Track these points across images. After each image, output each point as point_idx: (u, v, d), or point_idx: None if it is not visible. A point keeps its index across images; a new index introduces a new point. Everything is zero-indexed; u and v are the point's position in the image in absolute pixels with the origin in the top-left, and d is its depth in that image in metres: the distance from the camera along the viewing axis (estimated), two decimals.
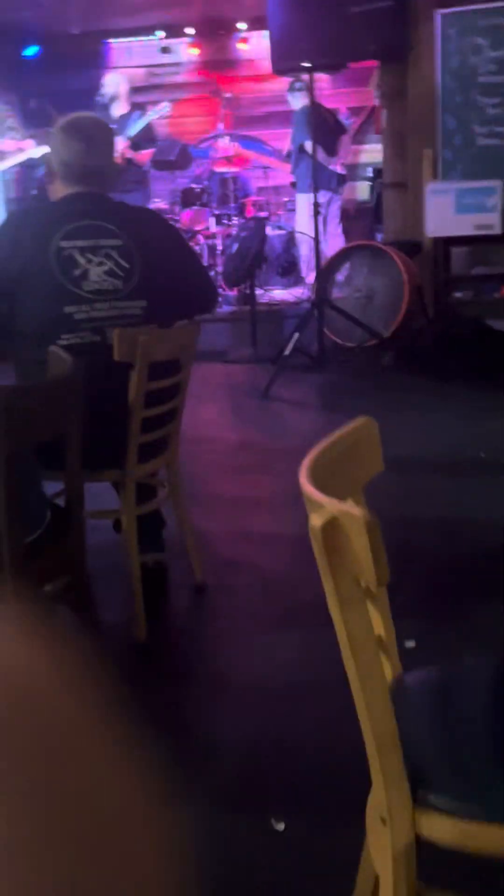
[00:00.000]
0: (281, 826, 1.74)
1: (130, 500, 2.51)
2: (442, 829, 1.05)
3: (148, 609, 2.56)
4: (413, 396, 5.33)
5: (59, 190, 2.60)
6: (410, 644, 2.31)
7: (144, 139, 7.04)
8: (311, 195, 5.84)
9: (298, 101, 7.26)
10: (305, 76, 5.75)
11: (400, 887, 1.08)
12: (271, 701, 2.22)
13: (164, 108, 7.18)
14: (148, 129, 7.04)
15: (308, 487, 1.05)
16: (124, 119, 7.02)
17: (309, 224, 6.17)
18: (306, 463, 1.14)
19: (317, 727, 2.07)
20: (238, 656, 2.47)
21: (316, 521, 0.96)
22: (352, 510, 0.94)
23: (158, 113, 7.14)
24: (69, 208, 2.50)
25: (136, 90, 8.08)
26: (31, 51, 10.27)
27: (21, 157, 7.77)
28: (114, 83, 7.16)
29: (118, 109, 7.10)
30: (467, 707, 1.25)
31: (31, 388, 1.90)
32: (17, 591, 1.84)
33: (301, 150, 7.11)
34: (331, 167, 7.37)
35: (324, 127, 7.01)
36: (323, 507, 0.99)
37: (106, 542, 2.94)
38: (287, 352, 5.54)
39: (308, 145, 6.56)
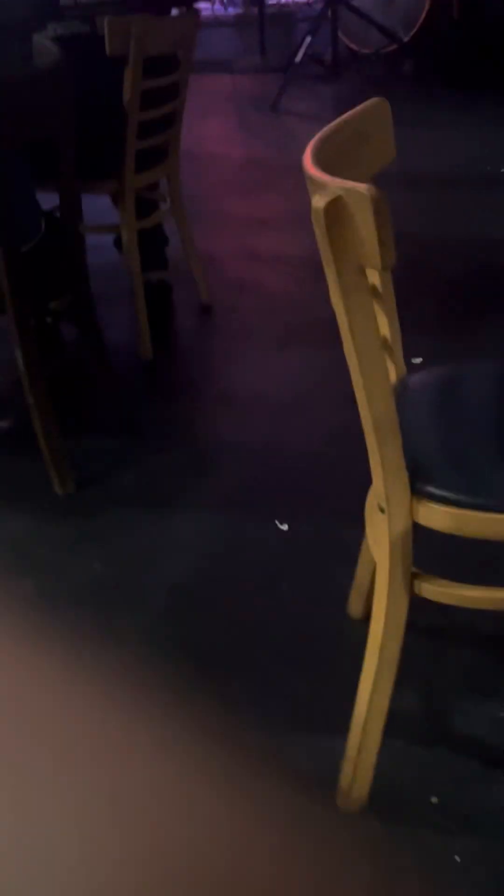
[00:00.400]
0: (285, 527, 1.82)
1: (130, 212, 2.40)
2: (438, 516, 1.07)
3: (153, 328, 2.54)
4: (433, 108, 4.97)
5: None
6: (417, 360, 2.29)
7: None
8: None
9: None
10: None
11: (396, 571, 1.12)
12: (276, 412, 2.24)
13: None
14: None
15: (312, 169, 0.96)
16: None
17: None
18: (312, 145, 1.05)
19: (321, 435, 2.11)
20: (243, 372, 2.47)
21: (318, 202, 0.89)
22: (357, 187, 0.86)
23: None
24: None
25: None
26: None
27: None
28: None
29: None
30: (468, 403, 1.25)
31: (11, 79, 1.74)
32: (15, 302, 1.80)
33: None
34: None
35: None
36: (326, 187, 0.91)
37: (109, 263, 2.85)
38: (298, 59, 5.11)
39: None
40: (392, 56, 5.58)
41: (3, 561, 1.80)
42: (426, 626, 1.50)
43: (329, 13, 5.27)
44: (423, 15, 5.53)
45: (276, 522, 1.83)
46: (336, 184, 0.90)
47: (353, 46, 5.71)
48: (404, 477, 1.06)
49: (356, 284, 0.94)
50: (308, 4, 6.59)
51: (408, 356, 1.36)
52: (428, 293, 2.80)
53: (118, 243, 2.70)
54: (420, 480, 1.07)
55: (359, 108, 1.17)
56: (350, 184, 0.88)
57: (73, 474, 1.96)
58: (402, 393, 1.25)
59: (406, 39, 5.53)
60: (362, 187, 0.86)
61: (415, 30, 5.57)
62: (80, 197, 2.21)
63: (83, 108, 1.93)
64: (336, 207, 0.89)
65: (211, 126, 4.77)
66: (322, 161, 1.01)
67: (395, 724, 1.22)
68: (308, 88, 5.34)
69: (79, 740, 0.21)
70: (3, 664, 0.22)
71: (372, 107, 1.18)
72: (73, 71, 1.85)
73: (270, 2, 6.52)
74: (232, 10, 6.73)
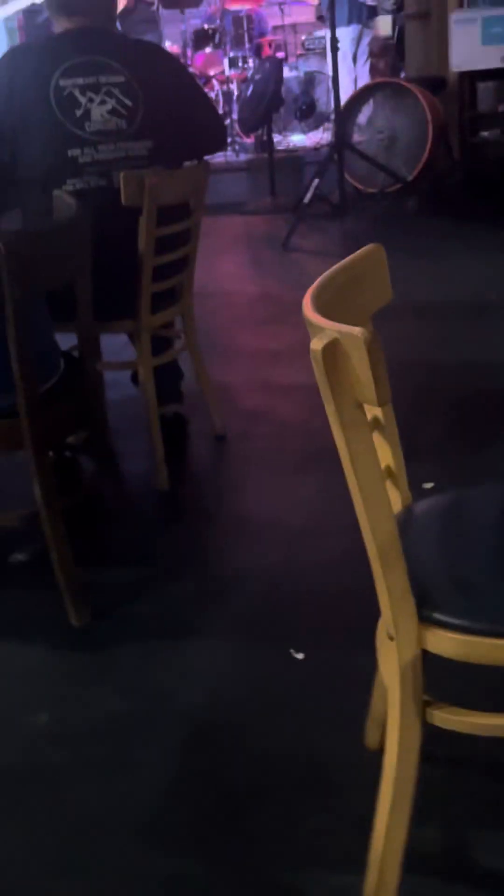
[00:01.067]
0: (300, 655, 1.81)
1: (146, 350, 2.50)
2: (447, 642, 1.08)
3: (169, 459, 2.60)
4: (438, 242, 5.18)
5: (58, 27, 2.47)
6: (429, 485, 2.33)
7: None
8: (344, 29, 5.54)
9: None
10: None
11: (407, 699, 1.12)
12: (291, 538, 2.27)
13: None
14: None
15: (311, 313, 1.03)
16: None
17: (344, 61, 5.92)
18: (311, 290, 1.12)
19: (337, 561, 2.12)
20: (258, 498, 2.51)
21: (317, 344, 0.95)
22: (352, 330, 0.92)
23: None
24: (67, 44, 2.39)
25: None
26: None
27: (23, 3, 7.33)
28: None
29: None
30: (475, 527, 1.27)
31: (36, 232, 1.86)
32: (34, 439, 1.86)
33: None
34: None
35: None
36: (324, 330, 0.97)
37: (126, 398, 2.95)
38: (307, 200, 5.38)
39: None
40: (396, 194, 5.85)
41: (19, 694, 1.80)
42: (444, 755, 1.47)
43: (335, 157, 5.57)
44: (425, 155, 5.83)
45: (292, 651, 1.83)
46: (332, 327, 0.96)
47: (358, 186, 6.00)
48: (411, 604, 1.08)
49: (354, 420, 0.99)
50: (315, 149, 6.97)
51: (418, 481, 1.40)
52: (437, 418, 2.86)
53: (135, 378, 2.80)
54: (427, 607, 1.09)
55: (355, 254, 1.24)
56: (345, 327, 0.94)
57: (89, 605, 1.98)
58: (407, 520, 1.28)
59: (409, 178, 5.82)
60: (357, 331, 0.92)
61: (417, 169, 5.86)
62: (98, 337, 2.32)
63: (100, 254, 2.05)
64: (333, 349, 0.95)
65: (224, 264, 4.98)
66: (321, 305, 1.08)
67: (415, 858, 1.19)
68: (317, 226, 5.59)
69: (98, 873, 0.23)
70: (21, 798, 0.25)
71: (368, 253, 1.26)
72: (91, 222, 1.97)
73: (279, 147, 6.91)
74: (243, 156, 7.12)
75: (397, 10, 7.61)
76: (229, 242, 5.60)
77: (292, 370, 3.48)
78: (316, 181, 5.39)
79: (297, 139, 7.41)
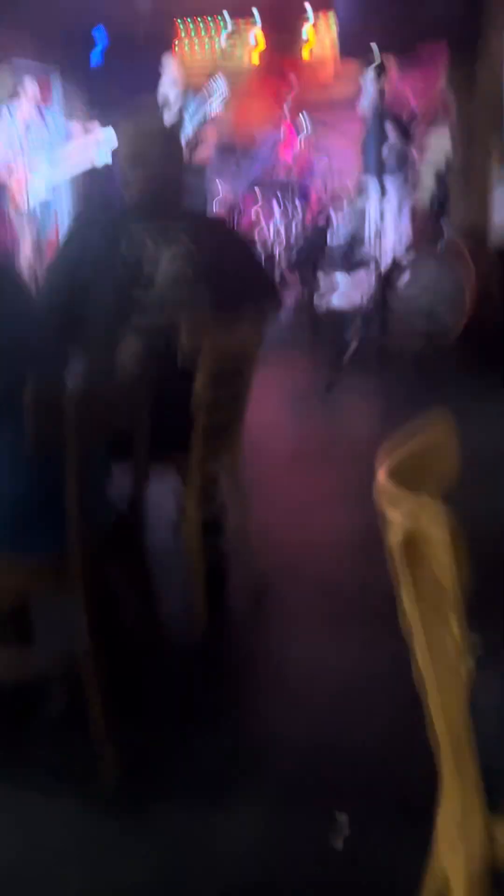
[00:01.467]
0: (343, 822, 1.72)
1: (195, 493, 2.50)
2: None
3: (206, 610, 2.55)
4: (480, 398, 5.19)
5: (132, 187, 2.64)
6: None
7: (202, 135, 6.96)
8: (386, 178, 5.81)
9: (372, 88, 7.18)
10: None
11: None
12: (331, 701, 2.19)
13: (220, 86, 6.91)
14: (205, 122, 6.96)
15: (390, 487, 1.01)
16: (182, 106, 6.94)
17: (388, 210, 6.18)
18: (385, 462, 1.11)
19: (378, 728, 2.04)
20: (297, 657, 2.44)
21: (396, 534, 0.93)
22: (435, 515, 0.90)
23: (218, 95, 6.93)
24: (140, 209, 2.57)
25: (200, 75, 8.01)
26: (97, 50, 10.31)
27: (86, 164, 7.72)
28: (174, 82, 7.09)
29: (175, 96, 7.04)
30: None
31: (103, 388, 1.93)
32: (85, 584, 1.85)
33: (382, 133, 7.06)
34: (405, 153, 7.33)
35: (400, 114, 7.10)
36: (405, 511, 0.95)
37: (167, 538, 2.93)
38: (351, 349, 5.48)
39: (390, 130, 6.87)
40: (440, 348, 5.91)
41: (49, 854, 1.72)
42: None
43: (380, 309, 5.70)
44: (470, 311, 5.92)
45: (334, 817, 1.73)
46: (414, 510, 0.94)
47: (401, 341, 6.07)
48: (480, 801, 1.02)
49: (433, 603, 0.96)
50: (359, 300, 7.14)
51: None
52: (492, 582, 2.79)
53: (177, 530, 2.80)
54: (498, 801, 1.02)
55: (426, 425, 1.24)
56: (428, 511, 0.92)
57: (122, 762, 1.91)
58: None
59: (453, 334, 5.90)
60: (440, 516, 0.90)
61: (461, 324, 5.95)
62: (149, 479, 2.32)
63: (159, 390, 2.08)
64: (413, 539, 0.92)
65: (265, 411, 5.01)
66: (397, 479, 1.06)
67: None
68: (358, 376, 5.63)
69: None
70: None
71: (438, 425, 1.25)
72: (153, 368, 2.03)
73: (322, 297, 7.08)
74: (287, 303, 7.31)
75: (441, 169, 7.96)
76: (271, 390, 5.66)
77: (333, 521, 3.44)
78: (360, 333, 5.50)
79: (341, 284, 7.61)
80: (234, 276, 2.61)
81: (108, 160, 7.32)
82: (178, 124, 6.67)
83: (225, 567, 2.88)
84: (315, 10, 9.70)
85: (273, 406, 5.21)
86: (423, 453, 1.20)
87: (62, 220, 8.55)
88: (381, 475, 1.07)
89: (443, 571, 0.93)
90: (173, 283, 2.47)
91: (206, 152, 7.21)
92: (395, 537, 0.95)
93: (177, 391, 2.37)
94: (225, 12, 10.02)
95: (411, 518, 0.93)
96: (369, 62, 5.79)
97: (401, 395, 5.45)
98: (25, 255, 7.44)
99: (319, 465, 4.14)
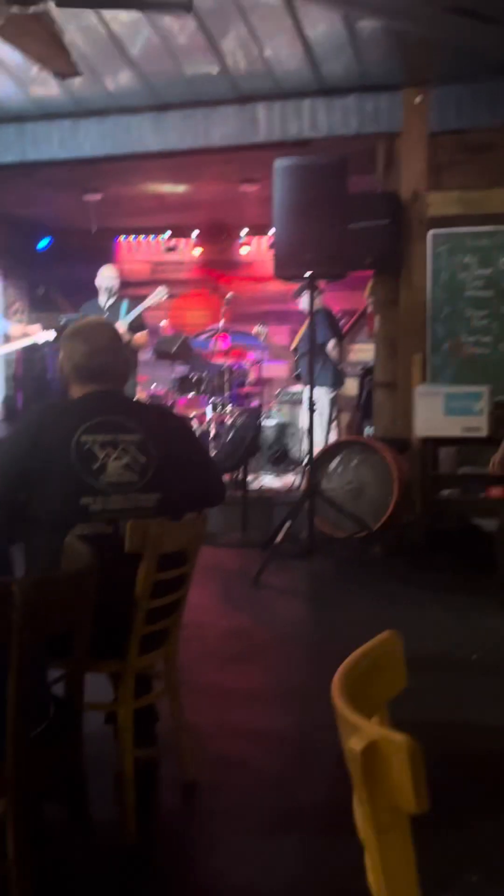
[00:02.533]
0: None
1: (129, 692, 2.48)
2: None
3: (137, 807, 2.48)
4: (402, 590, 5.36)
5: (76, 391, 2.75)
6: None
7: (139, 325, 7.43)
8: (323, 389, 6.17)
9: (306, 303, 7.74)
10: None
11: None
12: None
13: (161, 293, 7.54)
14: (142, 316, 7.44)
15: (346, 709, 1.07)
16: (115, 308, 7.41)
17: (321, 419, 6.64)
18: (337, 679, 1.17)
19: None
20: (229, 860, 2.37)
21: (356, 744, 0.98)
22: (393, 736, 0.96)
23: (157, 298, 7.52)
24: (88, 406, 2.64)
25: (140, 284, 8.55)
26: (43, 243, 10.92)
27: (26, 342, 8.02)
28: (110, 276, 7.59)
29: (111, 300, 7.51)
30: None
31: (49, 580, 1.94)
32: (18, 785, 1.80)
33: (320, 347, 7.63)
34: (335, 357, 7.81)
35: (337, 329, 7.67)
36: (361, 728, 1.01)
37: (91, 735, 2.85)
38: (278, 539, 5.61)
39: (329, 344, 7.56)
40: (362, 540, 6.12)
41: None
42: None
43: (307, 502, 5.90)
44: (390, 508, 6.19)
45: None
46: (373, 730, 1.00)
47: (327, 530, 6.29)
48: None
49: (390, 825, 1.00)
50: (286, 492, 7.38)
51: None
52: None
53: (109, 718, 2.75)
54: None
55: (375, 642, 1.31)
56: (387, 731, 0.98)
57: None
58: None
59: (375, 528, 6.13)
60: (399, 737, 0.96)
61: (383, 520, 6.20)
62: (84, 679, 2.31)
63: (99, 595, 2.11)
64: (372, 751, 0.98)
65: (196, 596, 5.02)
66: (348, 695, 1.12)
67: None
68: (286, 565, 5.77)
69: None
70: None
71: (385, 639, 1.33)
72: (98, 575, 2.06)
73: (252, 487, 7.30)
74: None
75: (364, 376, 8.47)
76: (200, 574, 5.71)
77: (265, 714, 3.43)
78: (288, 522, 5.66)
79: (269, 481, 7.87)
80: (183, 468, 2.68)
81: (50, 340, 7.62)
82: (117, 323, 7.05)
83: (157, 764, 2.82)
84: (251, 234, 10.57)
85: (201, 591, 5.22)
86: (373, 668, 1.27)
87: None
88: (336, 694, 1.13)
89: (400, 794, 0.98)
90: (123, 473, 2.53)
91: (143, 351, 7.62)
92: (351, 757, 0.99)
93: (116, 596, 2.39)
94: (167, 231, 10.78)
95: (367, 739, 0.98)
96: (302, 280, 6.28)
97: (330, 584, 5.56)
98: None
99: (253, 657, 4.13)
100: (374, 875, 1.02)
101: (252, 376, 9.25)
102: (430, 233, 6.64)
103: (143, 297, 7.65)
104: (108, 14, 6.15)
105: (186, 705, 2.91)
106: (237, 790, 2.79)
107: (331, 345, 7.64)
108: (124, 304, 7.48)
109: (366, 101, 6.74)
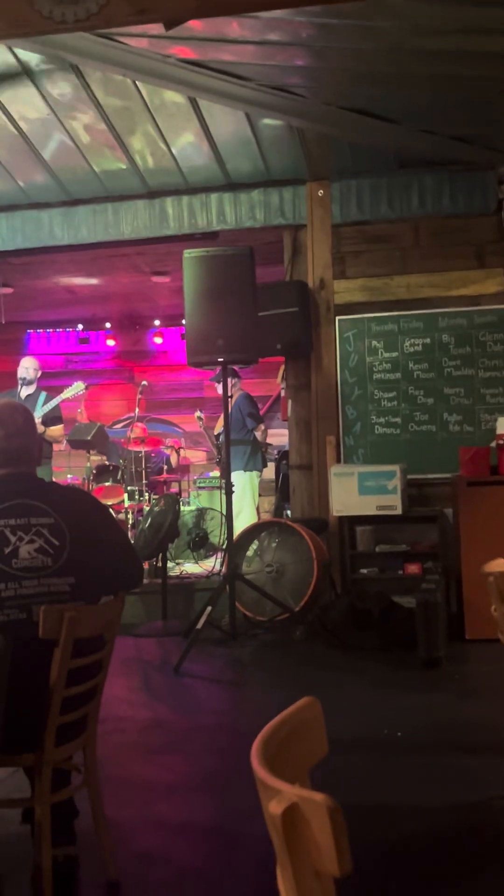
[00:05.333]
0: None
1: (45, 787, 2.38)
2: None
3: None
4: (325, 671, 5.32)
5: None
6: None
7: (54, 417, 7.39)
8: (247, 473, 6.20)
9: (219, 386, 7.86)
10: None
11: None
12: None
13: (78, 387, 7.57)
14: (57, 408, 7.42)
15: (264, 774, 1.05)
16: (32, 399, 7.38)
17: (243, 499, 6.67)
18: (256, 746, 1.16)
19: None
20: None
21: (276, 808, 0.97)
22: (313, 796, 0.95)
23: (73, 391, 7.53)
24: (0, 489, 2.59)
25: (54, 375, 8.54)
26: None
27: None
28: (30, 367, 7.57)
29: (30, 390, 7.48)
30: None
31: None
32: None
33: (250, 433, 7.73)
34: (256, 442, 7.90)
35: (258, 414, 7.87)
36: (280, 792, 0.99)
37: (8, 833, 2.73)
38: (199, 626, 5.53)
39: (257, 430, 7.80)
40: (284, 623, 6.09)
41: None
42: None
43: (227, 586, 5.86)
44: (311, 588, 6.19)
45: None
46: (292, 791, 0.98)
47: (248, 614, 6.24)
48: None
49: (312, 890, 0.97)
50: (207, 577, 7.31)
51: None
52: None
53: (26, 815, 2.62)
54: None
55: (294, 708, 1.30)
56: (306, 792, 0.97)
57: None
58: None
59: (296, 609, 6.10)
60: (319, 797, 0.94)
61: (304, 601, 6.18)
62: None
63: (11, 684, 2.04)
64: (292, 814, 0.96)
65: (116, 687, 4.91)
66: (268, 761, 1.11)
67: None
68: (208, 651, 5.68)
69: None
70: None
71: (305, 705, 1.32)
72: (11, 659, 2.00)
73: (172, 573, 7.22)
74: None
75: (280, 459, 8.57)
76: (120, 665, 5.58)
77: (187, 805, 3.32)
78: (209, 609, 5.59)
79: (189, 567, 7.80)
80: (98, 549, 2.64)
81: None
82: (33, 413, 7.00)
83: (77, 863, 2.69)
84: (164, 324, 10.74)
85: (120, 682, 5.09)
86: (293, 734, 1.26)
87: None
88: (255, 760, 1.12)
89: (321, 858, 0.96)
90: (36, 557, 2.48)
91: (57, 444, 7.59)
92: (273, 829, 0.98)
93: (29, 684, 2.31)
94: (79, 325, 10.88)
95: (286, 802, 0.97)
96: (214, 366, 6.37)
97: (252, 669, 5.49)
98: None
99: (175, 748, 4.02)
100: None
101: (175, 462, 9.27)
102: (338, 319, 6.85)
103: (58, 389, 7.63)
104: (17, 113, 6.30)
105: (107, 799, 2.80)
106: (161, 888, 2.68)
107: (259, 430, 7.77)
108: (42, 396, 7.45)
109: (271, 194, 6.99)
